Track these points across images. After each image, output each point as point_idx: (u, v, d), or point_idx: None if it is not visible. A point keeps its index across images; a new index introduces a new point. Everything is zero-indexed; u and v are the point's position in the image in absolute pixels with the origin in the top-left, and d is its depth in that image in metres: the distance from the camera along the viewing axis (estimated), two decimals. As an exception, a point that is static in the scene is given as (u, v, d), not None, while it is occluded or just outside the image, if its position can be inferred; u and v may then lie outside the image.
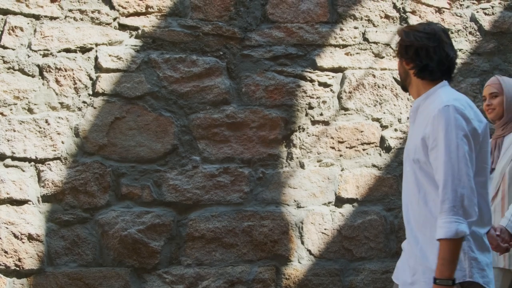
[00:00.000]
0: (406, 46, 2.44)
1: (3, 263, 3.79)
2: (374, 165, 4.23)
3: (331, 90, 4.22)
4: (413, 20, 4.36)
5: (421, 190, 2.36)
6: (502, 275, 3.34)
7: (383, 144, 4.26)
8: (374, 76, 4.27)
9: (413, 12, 4.37)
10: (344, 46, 4.27)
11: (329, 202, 4.16)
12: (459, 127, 2.26)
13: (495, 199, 3.36)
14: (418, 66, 2.42)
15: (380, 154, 4.25)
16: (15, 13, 3.95)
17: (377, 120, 4.26)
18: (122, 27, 4.05)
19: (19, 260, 3.81)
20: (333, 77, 4.23)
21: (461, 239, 2.20)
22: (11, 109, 3.89)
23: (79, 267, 3.88)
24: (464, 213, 2.21)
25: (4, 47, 3.91)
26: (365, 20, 4.31)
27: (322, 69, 4.23)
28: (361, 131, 4.22)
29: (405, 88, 2.57)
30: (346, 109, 4.23)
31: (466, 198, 2.22)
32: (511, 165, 3.32)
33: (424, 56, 2.40)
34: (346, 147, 4.20)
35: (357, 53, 4.28)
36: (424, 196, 2.35)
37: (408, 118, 4.27)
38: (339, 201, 4.18)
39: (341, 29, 4.27)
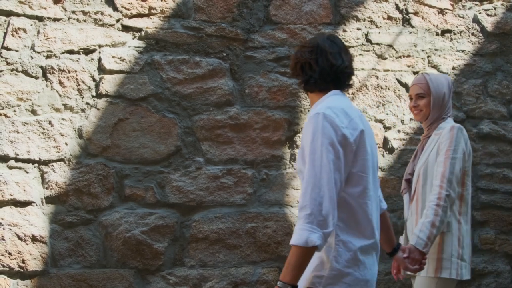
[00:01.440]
0: (295, 64, 2.46)
1: (7, 265, 3.79)
2: (377, 166, 4.22)
3: (334, 91, 4.22)
4: (416, 21, 4.37)
5: None
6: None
7: (386, 145, 4.27)
8: (377, 77, 4.28)
9: (416, 13, 4.38)
10: (347, 47, 4.26)
11: (333, 203, 4.16)
12: (325, 135, 2.22)
13: (412, 201, 3.21)
14: (303, 81, 2.43)
15: (383, 155, 4.25)
16: (18, 15, 3.95)
17: (380, 121, 4.27)
18: (125, 28, 4.05)
19: (23, 261, 3.81)
20: (336, 78, 4.23)
21: (311, 249, 2.15)
22: (14, 111, 3.89)
23: (83, 268, 3.88)
24: (320, 223, 2.15)
25: (8, 49, 3.91)
26: (368, 21, 4.32)
27: (325, 71, 4.22)
28: (364, 132, 4.22)
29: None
30: (349, 110, 4.23)
31: (324, 208, 2.16)
32: (424, 166, 3.16)
33: (308, 69, 2.40)
34: (349, 148, 4.20)
35: (360, 54, 4.28)
36: None
37: (411, 120, 4.28)
38: (342, 202, 4.18)
39: (344, 30, 4.28)
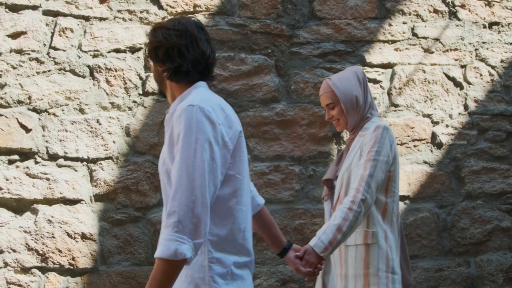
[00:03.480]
0: (156, 47, 2.14)
1: (58, 262, 3.83)
2: (425, 162, 4.17)
3: (380, 86, 4.18)
4: (463, 14, 4.30)
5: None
6: None
7: (434, 140, 4.20)
8: (424, 71, 4.22)
9: (462, 6, 4.30)
10: (393, 41, 4.22)
11: (381, 200, 4.11)
12: (200, 130, 1.93)
13: (334, 210, 2.81)
14: (170, 68, 2.12)
15: (431, 151, 4.18)
16: (65, 15, 3.99)
17: (428, 116, 4.20)
18: (171, 26, 4.05)
19: (73, 259, 3.84)
20: (382, 73, 4.19)
21: (180, 262, 1.86)
22: (63, 110, 3.93)
23: (132, 266, 3.90)
24: (191, 232, 1.87)
25: (55, 49, 3.96)
26: (414, 15, 4.26)
27: (371, 65, 4.18)
28: (412, 128, 4.17)
29: (162, 93, 2.26)
30: (396, 106, 4.18)
31: (196, 215, 1.88)
32: (348, 172, 2.80)
33: (177, 56, 2.10)
34: (397, 144, 4.15)
35: (406, 49, 4.22)
36: None
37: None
38: (391, 199, 4.13)
39: (390, 25, 4.23)
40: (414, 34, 4.25)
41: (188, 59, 2.11)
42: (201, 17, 4.07)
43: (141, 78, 4.00)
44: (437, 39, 4.26)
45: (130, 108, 3.97)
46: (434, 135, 4.20)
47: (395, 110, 4.18)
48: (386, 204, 2.78)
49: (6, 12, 3.95)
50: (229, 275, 2.01)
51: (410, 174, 4.14)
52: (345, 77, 2.91)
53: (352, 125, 2.89)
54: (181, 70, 2.11)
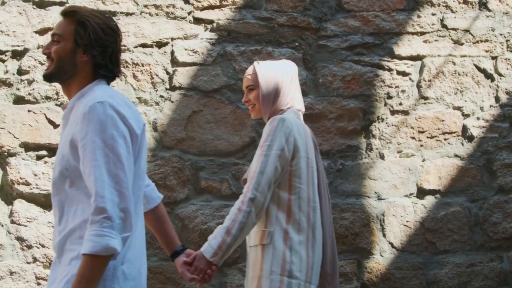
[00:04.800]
0: (96, 39, 2.10)
1: (86, 257, 3.83)
2: (456, 155, 4.10)
3: (410, 78, 4.12)
4: (493, 5, 4.22)
5: (71, 208, 2.03)
6: None
7: (465, 133, 4.13)
8: (454, 63, 4.15)
9: (493, -3, 4.23)
10: (422, 33, 4.16)
11: (411, 194, 4.05)
12: (114, 126, 1.95)
13: None
14: (99, 65, 2.13)
15: (462, 144, 4.11)
16: (91, 10, 3.99)
17: (458, 108, 4.13)
18: (197, 20, 4.05)
19: (102, 254, 3.83)
20: (411, 65, 4.13)
21: (109, 257, 1.89)
22: (90, 105, 3.93)
23: (160, 261, 3.88)
24: (119, 226, 1.90)
25: (82, 44, 3.96)
26: (443, 6, 4.19)
27: (400, 58, 4.13)
28: (442, 120, 4.10)
29: (53, 78, 2.17)
30: (426, 98, 4.12)
31: (123, 209, 1.91)
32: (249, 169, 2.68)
33: (109, 55, 2.13)
34: (427, 137, 4.09)
35: (435, 40, 4.16)
36: (74, 215, 2.01)
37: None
38: (421, 193, 4.06)
39: (419, 16, 4.17)
40: (444, 26, 4.18)
41: (113, 62, 2.16)
42: (227, 11, 4.05)
43: (168, 73, 3.98)
44: (467, 31, 4.19)
45: (157, 103, 3.96)
46: (465, 128, 4.13)
47: (424, 103, 4.11)
48: (290, 201, 2.58)
49: (34, 8, 3.97)
50: (110, 272, 1.97)
51: (441, 168, 4.07)
52: (274, 65, 2.78)
53: (267, 115, 2.72)
54: (102, 68, 2.13)
